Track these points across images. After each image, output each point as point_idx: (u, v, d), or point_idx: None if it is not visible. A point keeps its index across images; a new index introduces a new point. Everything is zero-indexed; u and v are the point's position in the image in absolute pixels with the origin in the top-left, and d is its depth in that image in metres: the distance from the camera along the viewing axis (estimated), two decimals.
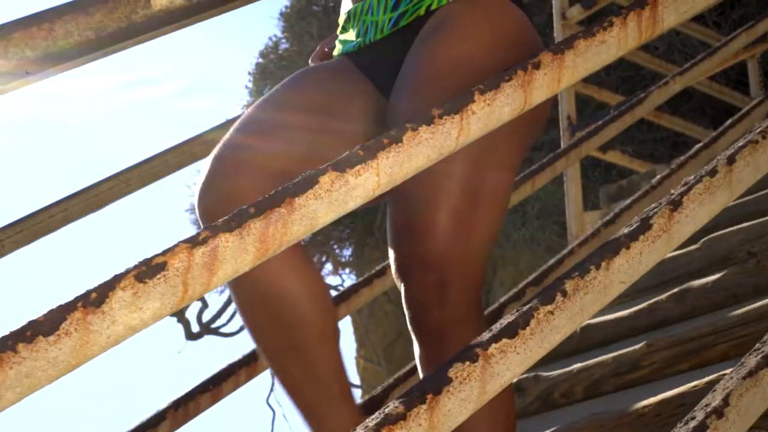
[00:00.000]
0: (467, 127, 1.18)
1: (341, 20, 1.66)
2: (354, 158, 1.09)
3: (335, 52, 1.67)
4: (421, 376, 1.58)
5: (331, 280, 8.68)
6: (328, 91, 1.58)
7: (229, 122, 2.27)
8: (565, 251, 2.92)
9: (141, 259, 0.94)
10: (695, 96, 5.78)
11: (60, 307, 0.90)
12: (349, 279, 8.74)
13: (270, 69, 7.97)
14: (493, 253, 6.77)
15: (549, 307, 1.16)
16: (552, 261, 2.88)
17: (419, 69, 1.50)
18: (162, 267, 0.94)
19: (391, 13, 1.58)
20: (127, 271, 0.93)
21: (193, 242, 0.97)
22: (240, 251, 0.99)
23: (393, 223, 1.52)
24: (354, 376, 8.55)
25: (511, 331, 1.13)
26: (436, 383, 1.07)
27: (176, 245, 0.96)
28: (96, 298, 0.91)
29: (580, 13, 3.71)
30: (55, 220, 2.01)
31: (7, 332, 0.88)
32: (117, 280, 0.92)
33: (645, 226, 1.27)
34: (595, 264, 1.21)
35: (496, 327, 1.14)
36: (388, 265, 2.73)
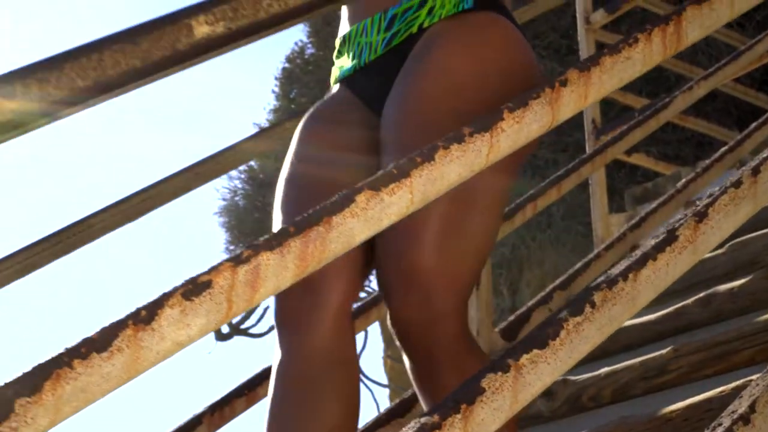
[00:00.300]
0: (497, 144, 1.22)
1: (337, 44, 1.68)
2: (388, 177, 1.13)
3: (332, 80, 1.68)
4: (415, 388, 1.56)
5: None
6: (333, 143, 1.59)
7: (260, 133, 2.32)
8: (591, 255, 2.95)
9: (187, 278, 0.99)
10: (720, 96, 5.79)
11: (112, 324, 0.95)
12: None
13: (296, 74, 8.03)
14: (519, 253, 6.80)
15: (578, 318, 1.20)
16: (579, 265, 2.91)
17: (409, 92, 1.50)
18: (207, 285, 0.99)
19: (384, 33, 1.58)
20: (175, 290, 0.98)
21: (236, 261, 1.01)
22: (281, 269, 1.04)
23: (378, 238, 1.50)
24: (381, 376, 8.59)
25: (541, 342, 1.17)
26: (469, 393, 1.11)
27: (220, 264, 1.01)
28: (146, 316, 0.95)
29: (603, 17, 3.73)
30: (94, 230, 2.07)
31: (62, 349, 0.92)
32: (165, 298, 0.97)
33: (671, 237, 1.30)
34: (622, 275, 1.25)
35: (527, 337, 1.18)
36: None
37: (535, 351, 1.16)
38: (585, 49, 3.72)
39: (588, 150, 3.56)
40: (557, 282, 2.85)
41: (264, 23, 1.14)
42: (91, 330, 0.97)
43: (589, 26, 3.73)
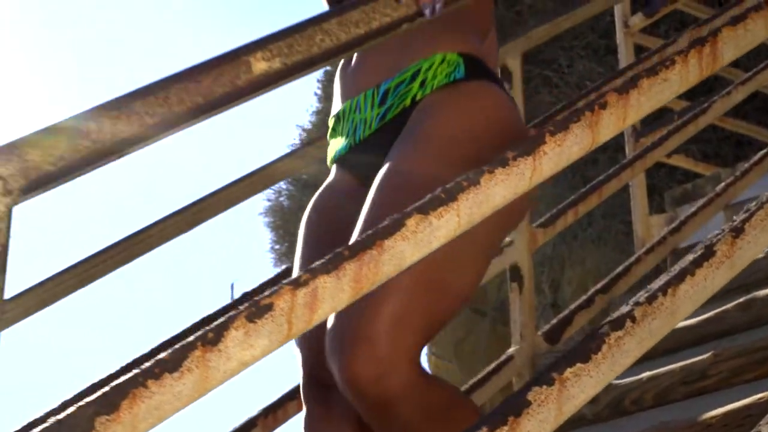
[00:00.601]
0: (539, 167, 1.27)
1: (331, 123, 1.68)
2: (436, 201, 1.19)
3: (328, 160, 1.69)
4: None
5: None
6: (335, 230, 1.60)
7: (307, 147, 2.39)
8: (632, 259, 3.00)
9: (251, 301, 1.05)
10: (759, 95, 5.80)
11: (182, 346, 1.01)
12: None
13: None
14: (561, 251, 6.83)
15: (619, 333, 1.25)
16: (620, 269, 2.96)
17: (395, 157, 1.50)
18: (269, 308, 1.05)
19: (378, 108, 1.59)
20: (239, 312, 1.04)
21: (295, 284, 1.08)
22: (337, 291, 1.10)
23: None
24: None
25: (584, 356, 1.22)
26: (516, 406, 1.17)
27: (281, 287, 1.07)
28: (213, 338, 1.02)
29: (642, 20, 3.76)
30: (153, 239, 2.15)
31: (138, 370, 0.99)
32: (231, 320, 1.03)
33: (708, 252, 1.35)
34: (662, 290, 1.30)
35: (570, 351, 1.24)
36: None
37: (578, 365, 1.22)
38: (624, 53, 3.76)
39: (628, 152, 3.60)
40: (598, 286, 2.90)
41: (317, 57, 1.20)
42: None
43: (628, 30, 3.77)
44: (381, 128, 1.59)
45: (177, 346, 1.01)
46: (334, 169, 1.69)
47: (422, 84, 1.57)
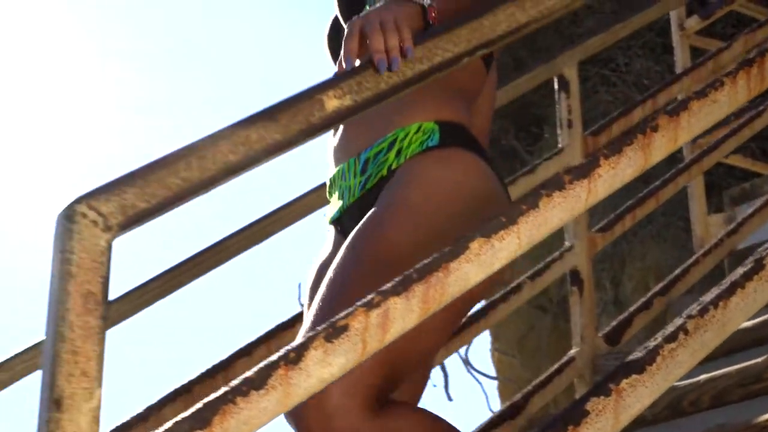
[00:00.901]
0: (594, 189, 1.35)
1: (327, 184, 1.76)
2: (498, 225, 1.27)
3: (327, 220, 1.75)
4: None
5: None
6: None
7: None
8: (690, 261, 3.05)
9: (329, 322, 1.14)
10: None
11: (266, 365, 1.11)
12: None
13: None
14: (621, 248, 6.86)
15: (672, 345, 1.33)
16: (678, 271, 3.01)
17: (361, 228, 1.54)
18: (345, 329, 1.14)
19: (360, 176, 1.66)
20: (317, 333, 1.13)
21: (368, 306, 1.17)
22: (407, 311, 1.19)
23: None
24: (490, 368, 8.70)
25: (639, 368, 1.30)
26: (575, 416, 1.25)
27: (355, 309, 1.16)
28: (294, 357, 1.11)
29: (697, 23, 3.80)
30: (230, 251, 2.25)
31: (227, 388, 1.08)
32: (310, 341, 1.13)
33: (758, 266, 1.42)
34: (713, 303, 1.37)
35: (625, 364, 1.32)
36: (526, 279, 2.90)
37: (634, 376, 1.30)
38: (680, 55, 3.80)
39: (685, 155, 3.64)
40: (657, 288, 2.96)
41: (385, 93, 1.29)
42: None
43: (684, 32, 3.81)
44: (363, 196, 1.65)
45: (261, 365, 1.11)
46: (331, 229, 1.75)
47: (398, 153, 1.61)
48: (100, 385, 1.05)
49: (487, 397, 8.34)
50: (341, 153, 1.70)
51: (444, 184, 1.56)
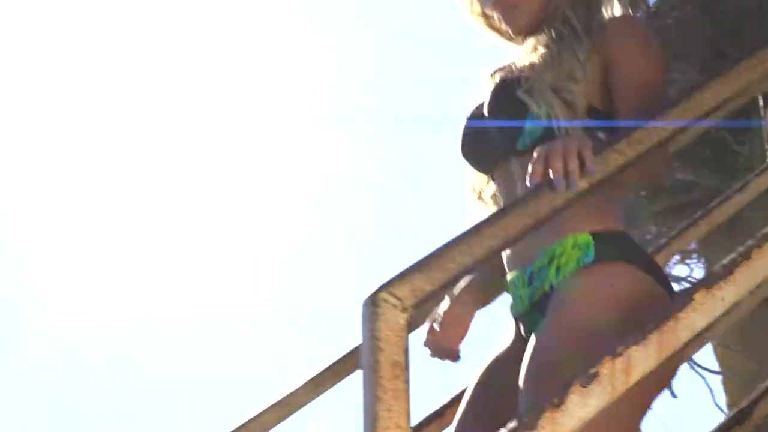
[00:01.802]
0: None
1: (505, 283, 1.90)
2: (717, 276, 1.50)
3: (510, 312, 1.89)
4: None
5: (679, 270, 8.76)
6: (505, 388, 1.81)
7: None
8: None
9: (585, 371, 1.40)
10: None
11: (536, 409, 1.37)
12: (697, 268, 8.81)
13: None
14: None
15: None
16: None
17: (531, 351, 1.68)
18: (596, 375, 1.40)
19: (528, 288, 1.80)
20: (574, 381, 1.39)
21: (613, 354, 1.42)
22: (645, 357, 1.44)
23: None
24: (713, 363, 8.68)
25: None
26: None
27: (604, 359, 1.41)
28: (557, 402, 1.38)
29: None
30: None
31: (504, 430, 1.36)
32: (569, 386, 1.39)
33: None
34: None
35: None
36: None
37: None
38: None
39: None
40: None
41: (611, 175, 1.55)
42: None
43: None
44: (532, 307, 1.80)
45: (532, 411, 1.37)
46: (512, 323, 1.90)
47: (557, 270, 1.75)
48: None
49: (712, 393, 8.33)
50: (512, 262, 1.85)
51: (607, 304, 1.68)
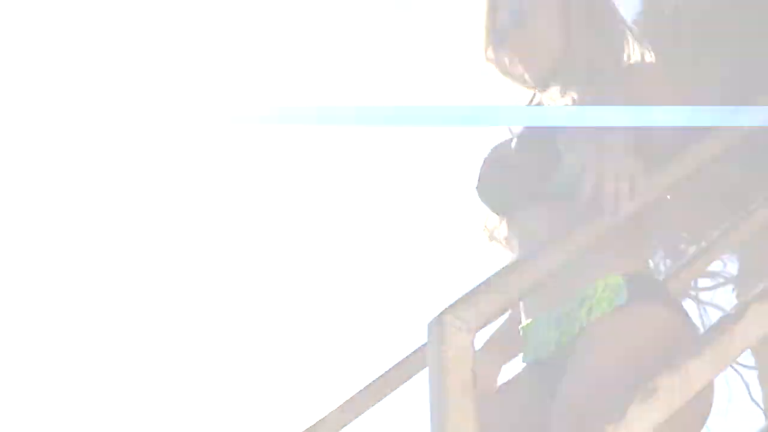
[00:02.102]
0: None
1: (521, 329, 1.87)
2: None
3: (522, 358, 1.89)
4: None
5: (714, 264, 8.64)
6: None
7: None
8: None
9: (642, 385, 1.45)
10: None
11: (587, 425, 1.42)
12: (730, 263, 8.73)
13: None
14: None
15: None
16: None
17: (561, 394, 1.69)
18: (655, 389, 1.44)
19: (555, 331, 1.78)
20: (635, 394, 1.44)
21: (670, 368, 1.47)
22: (703, 370, 1.48)
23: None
24: (748, 358, 8.65)
25: None
26: None
27: (661, 374, 1.46)
28: (617, 416, 1.42)
29: None
30: None
31: None
32: (630, 400, 1.43)
33: None
34: None
35: None
36: None
37: None
38: None
39: None
40: None
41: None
42: None
43: None
44: (558, 351, 1.77)
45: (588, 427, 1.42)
46: (525, 366, 1.88)
47: (588, 311, 1.74)
48: None
49: (747, 387, 8.31)
50: (535, 306, 1.83)
51: (639, 346, 1.69)
